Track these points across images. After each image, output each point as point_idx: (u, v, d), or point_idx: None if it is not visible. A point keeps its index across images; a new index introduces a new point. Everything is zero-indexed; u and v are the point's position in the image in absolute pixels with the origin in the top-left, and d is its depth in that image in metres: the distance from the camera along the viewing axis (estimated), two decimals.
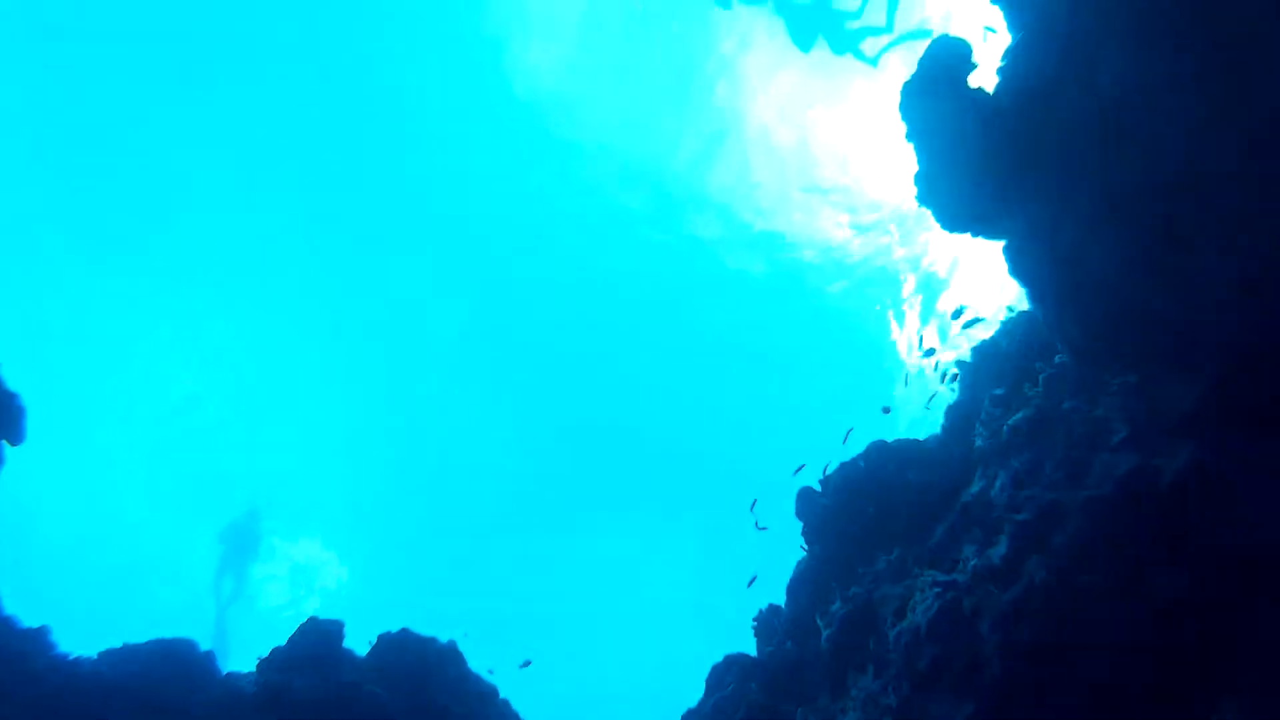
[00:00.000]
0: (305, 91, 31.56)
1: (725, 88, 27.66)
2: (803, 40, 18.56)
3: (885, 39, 18.66)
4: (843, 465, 8.49)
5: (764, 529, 10.51)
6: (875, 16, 18.70)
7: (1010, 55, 7.27)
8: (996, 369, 8.71)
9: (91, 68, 29.86)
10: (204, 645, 10.19)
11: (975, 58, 7.63)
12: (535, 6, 27.33)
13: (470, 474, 42.12)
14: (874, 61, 18.34)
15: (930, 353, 27.35)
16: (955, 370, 9.04)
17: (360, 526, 43.21)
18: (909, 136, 7.11)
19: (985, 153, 6.65)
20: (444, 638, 10.59)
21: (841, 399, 34.31)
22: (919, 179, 7.08)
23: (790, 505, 9.30)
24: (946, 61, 7.41)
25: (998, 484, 7.45)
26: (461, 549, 43.41)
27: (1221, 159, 5.79)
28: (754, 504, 10.75)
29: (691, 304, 35.89)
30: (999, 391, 8.24)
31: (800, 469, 11.73)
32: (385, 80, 31.39)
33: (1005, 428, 7.63)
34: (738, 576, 14.07)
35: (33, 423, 9.27)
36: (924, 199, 7.10)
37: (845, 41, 18.41)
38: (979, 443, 8.12)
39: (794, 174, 28.49)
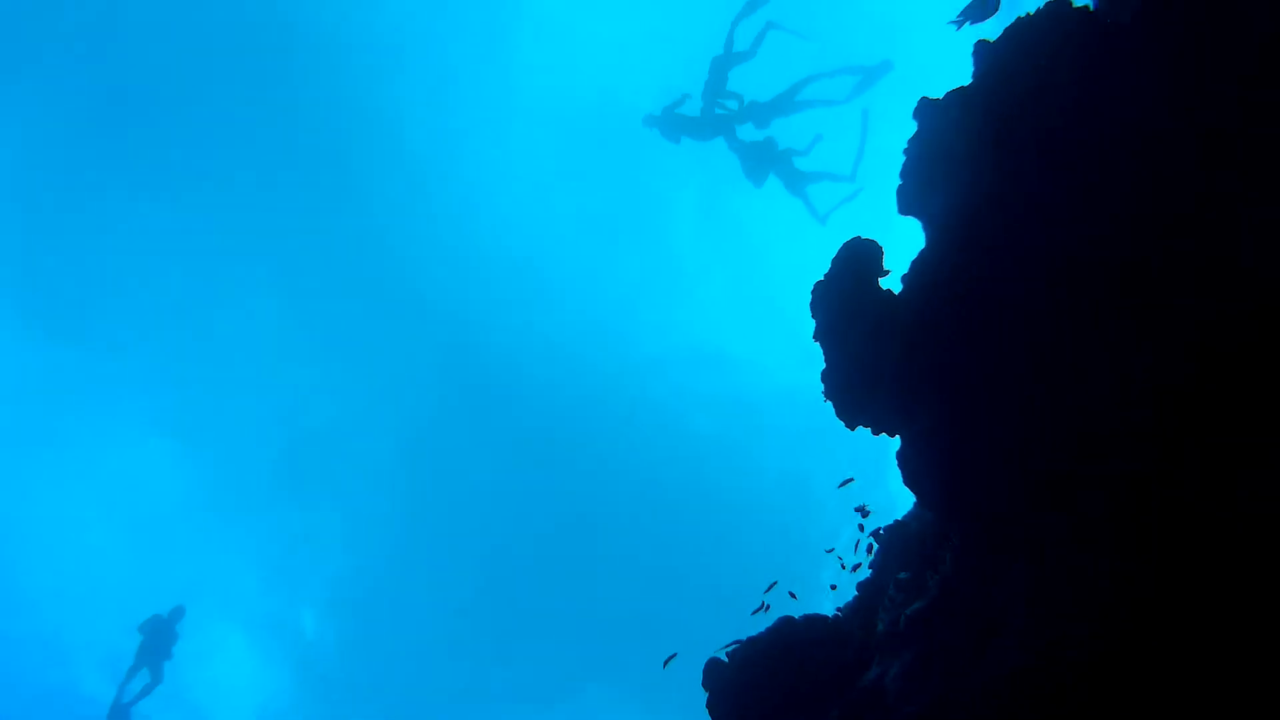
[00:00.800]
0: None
1: None
2: (755, 176, 19.33)
3: (841, 191, 19.62)
4: (750, 639, 8.59)
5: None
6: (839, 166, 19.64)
7: (914, 265, 7.85)
8: (903, 550, 8.96)
9: None
10: None
11: (884, 262, 8.23)
12: None
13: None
14: (824, 220, 19.23)
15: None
16: (844, 560, 9.31)
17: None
18: (816, 335, 7.56)
19: (882, 358, 7.09)
20: None
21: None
22: (824, 376, 7.50)
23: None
24: (856, 264, 7.95)
25: (891, 673, 7.59)
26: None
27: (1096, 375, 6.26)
28: (670, 659, 10.73)
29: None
30: (903, 576, 8.47)
31: (773, 586, 11.68)
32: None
33: (904, 616, 7.83)
34: None
35: None
36: (827, 394, 7.50)
37: (798, 183, 19.12)
38: (881, 626, 8.30)
39: None
